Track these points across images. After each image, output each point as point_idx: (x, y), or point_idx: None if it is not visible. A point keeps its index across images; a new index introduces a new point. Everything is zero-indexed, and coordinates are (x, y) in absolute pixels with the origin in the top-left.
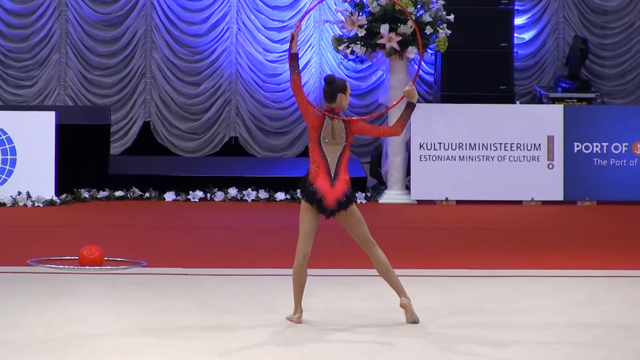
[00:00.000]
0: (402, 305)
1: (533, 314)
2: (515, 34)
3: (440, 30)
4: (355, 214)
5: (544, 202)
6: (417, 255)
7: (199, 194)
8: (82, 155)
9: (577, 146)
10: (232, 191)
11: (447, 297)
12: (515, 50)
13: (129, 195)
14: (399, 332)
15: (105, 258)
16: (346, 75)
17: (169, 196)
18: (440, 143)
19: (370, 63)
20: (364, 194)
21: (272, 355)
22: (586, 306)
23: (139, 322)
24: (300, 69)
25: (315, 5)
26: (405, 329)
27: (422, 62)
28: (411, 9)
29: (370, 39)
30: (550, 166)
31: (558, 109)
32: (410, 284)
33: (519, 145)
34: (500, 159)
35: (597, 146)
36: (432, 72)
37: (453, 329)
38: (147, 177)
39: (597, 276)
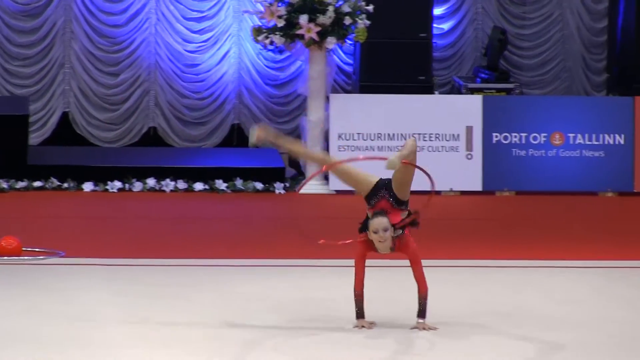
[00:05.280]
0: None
1: (444, 303)
2: (434, 24)
3: (359, 21)
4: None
5: (463, 192)
6: (337, 246)
7: (118, 184)
8: (0, 146)
9: (496, 137)
10: (151, 181)
11: (367, 286)
12: (434, 41)
13: (47, 186)
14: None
15: (24, 248)
16: (265, 65)
17: (88, 186)
18: (359, 133)
19: (289, 53)
20: (282, 185)
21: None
22: (502, 297)
23: (56, 312)
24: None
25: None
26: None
27: (342, 53)
28: None
29: (289, 30)
30: (469, 156)
31: (477, 99)
32: (328, 275)
33: (437, 136)
34: (419, 149)
35: (515, 137)
36: (351, 62)
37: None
38: (65, 168)
39: (514, 266)
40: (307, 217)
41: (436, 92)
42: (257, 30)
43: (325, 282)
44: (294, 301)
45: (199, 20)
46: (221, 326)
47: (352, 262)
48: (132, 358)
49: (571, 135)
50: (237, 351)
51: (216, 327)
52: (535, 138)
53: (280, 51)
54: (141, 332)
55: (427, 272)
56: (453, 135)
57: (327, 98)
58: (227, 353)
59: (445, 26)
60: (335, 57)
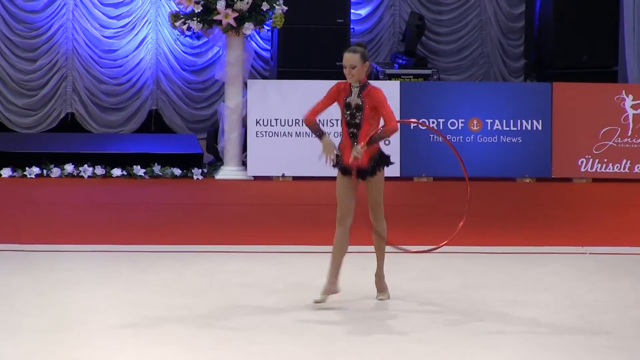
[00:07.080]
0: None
1: (361, 289)
2: (352, 10)
3: (276, 7)
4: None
5: None
6: (254, 231)
7: (36, 170)
8: None
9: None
10: (69, 167)
11: (283, 273)
12: (351, 26)
13: None
14: None
15: None
16: (182, 51)
17: (6, 172)
18: (276, 119)
19: (206, 39)
20: (200, 170)
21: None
22: (421, 282)
23: None
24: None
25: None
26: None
27: (259, 38)
28: None
29: (206, 15)
30: (387, 142)
31: (395, 85)
32: (246, 261)
33: None
34: (335, 135)
35: (433, 122)
36: (269, 48)
37: (283, 303)
38: None
39: (431, 252)
40: (225, 203)
41: None
42: (175, 16)
43: (240, 268)
44: (209, 287)
45: (116, 5)
46: (138, 310)
47: (260, 248)
48: (47, 342)
49: (489, 121)
50: (153, 334)
51: (133, 312)
52: (453, 124)
53: (198, 37)
54: (57, 318)
55: (344, 259)
56: None
57: (245, 84)
58: (143, 337)
59: (363, 12)
60: (252, 42)
